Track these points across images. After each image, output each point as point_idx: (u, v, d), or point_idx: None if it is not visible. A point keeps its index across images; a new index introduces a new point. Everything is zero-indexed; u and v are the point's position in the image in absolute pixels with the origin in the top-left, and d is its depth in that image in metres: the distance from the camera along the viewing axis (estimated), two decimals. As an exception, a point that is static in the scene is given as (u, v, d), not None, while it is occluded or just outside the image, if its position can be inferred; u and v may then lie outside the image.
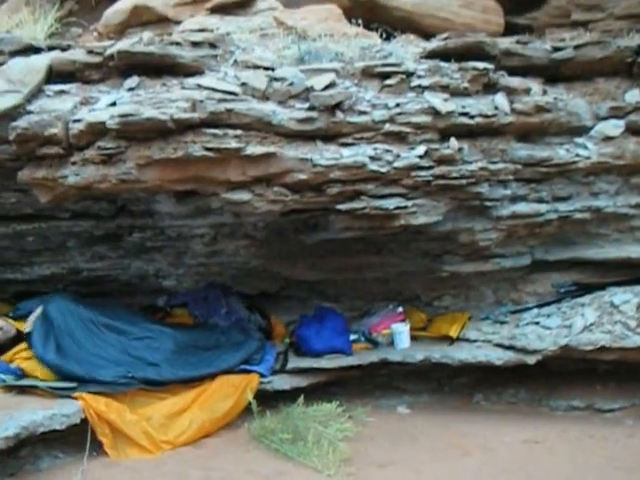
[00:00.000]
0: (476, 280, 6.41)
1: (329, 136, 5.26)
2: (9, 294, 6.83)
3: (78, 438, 5.13)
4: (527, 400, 6.21)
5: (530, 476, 4.83)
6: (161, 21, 6.33)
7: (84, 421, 5.13)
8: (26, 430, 4.75)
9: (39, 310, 5.77)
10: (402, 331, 6.26)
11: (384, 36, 6.16)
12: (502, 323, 6.20)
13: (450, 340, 6.18)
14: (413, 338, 6.30)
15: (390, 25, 6.34)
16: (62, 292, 6.60)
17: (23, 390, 5.40)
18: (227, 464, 5.10)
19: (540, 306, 6.26)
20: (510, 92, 5.60)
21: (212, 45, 5.50)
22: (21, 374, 5.57)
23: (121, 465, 5.09)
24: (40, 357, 5.53)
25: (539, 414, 6.01)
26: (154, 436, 5.30)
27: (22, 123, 5.21)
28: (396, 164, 5.20)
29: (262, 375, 5.87)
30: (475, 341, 6.11)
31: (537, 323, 6.01)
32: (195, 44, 5.41)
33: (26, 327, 5.73)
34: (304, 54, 5.51)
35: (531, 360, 5.78)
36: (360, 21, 6.21)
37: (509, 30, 6.60)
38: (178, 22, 6.22)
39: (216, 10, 6.56)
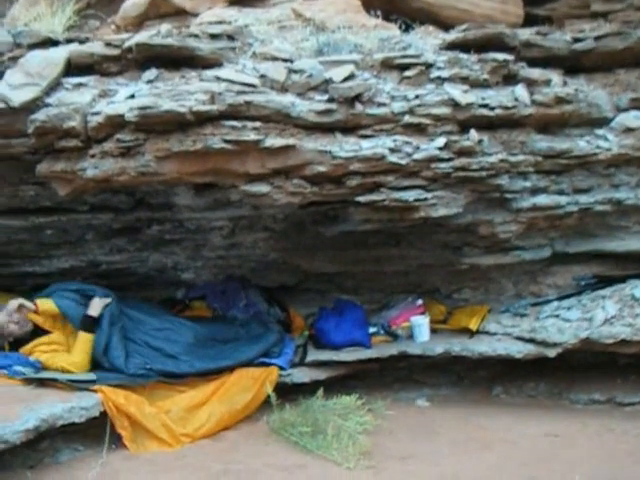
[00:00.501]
0: (496, 272, 6.40)
1: (348, 128, 5.23)
2: (28, 287, 6.85)
3: (97, 431, 5.16)
4: (547, 393, 6.19)
5: (550, 469, 4.80)
6: (179, 13, 6.30)
7: (103, 414, 5.14)
8: (46, 423, 4.77)
9: (107, 299, 5.80)
10: (422, 324, 6.25)
11: (403, 27, 6.12)
12: (522, 316, 6.18)
13: (470, 333, 6.17)
14: (433, 331, 6.32)
15: (409, 16, 6.30)
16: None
17: (42, 383, 5.40)
18: (246, 457, 5.11)
19: (560, 299, 6.24)
20: (530, 83, 5.55)
21: (230, 37, 5.47)
22: (40, 367, 5.57)
23: (140, 458, 5.12)
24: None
25: (559, 407, 6.01)
26: (173, 429, 5.32)
27: (41, 116, 5.21)
28: (416, 156, 5.17)
29: (281, 368, 5.88)
30: (495, 334, 6.10)
31: (557, 316, 5.98)
32: (213, 36, 5.39)
33: (91, 311, 5.73)
34: (323, 46, 5.48)
35: (551, 353, 5.77)
36: (379, 12, 6.17)
37: (528, 21, 6.54)
38: (196, 14, 6.19)
39: (234, 2, 6.52)
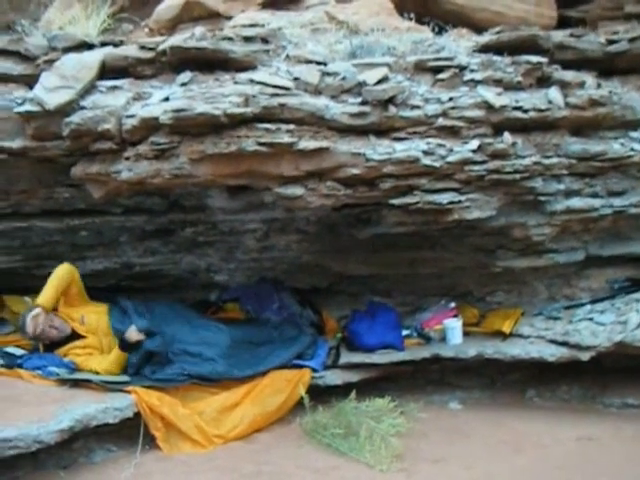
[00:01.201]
0: (529, 276, 6.36)
1: (382, 131, 5.23)
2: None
3: (130, 432, 5.19)
4: (580, 397, 6.15)
5: (584, 474, 4.77)
6: (212, 16, 6.31)
7: (137, 415, 5.17)
8: (80, 423, 4.80)
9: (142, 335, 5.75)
10: (454, 327, 6.23)
11: (436, 30, 6.12)
12: (555, 319, 6.13)
13: (503, 336, 6.14)
14: (465, 334, 6.28)
15: (442, 19, 6.29)
16: (116, 287, 6.69)
17: (76, 384, 5.44)
18: (279, 459, 5.11)
19: (594, 302, 6.20)
20: (564, 86, 5.52)
21: (264, 40, 5.48)
22: (74, 368, 5.62)
23: (174, 459, 5.13)
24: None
25: (593, 411, 5.95)
26: (206, 430, 5.33)
27: (75, 119, 5.24)
28: (449, 159, 5.17)
29: (314, 370, 5.88)
30: (528, 337, 6.04)
31: (591, 319, 5.93)
32: (247, 39, 5.39)
33: (128, 337, 5.68)
34: (356, 48, 5.49)
35: (585, 356, 5.71)
36: (412, 15, 6.17)
37: (561, 23, 6.53)
38: (229, 17, 6.21)
39: (267, 5, 6.55)
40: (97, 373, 5.53)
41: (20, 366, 5.73)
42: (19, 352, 5.98)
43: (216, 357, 5.73)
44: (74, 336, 5.79)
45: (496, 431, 5.56)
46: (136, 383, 5.39)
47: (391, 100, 5.15)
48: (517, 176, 5.34)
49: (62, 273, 5.88)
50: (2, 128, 5.51)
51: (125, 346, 5.60)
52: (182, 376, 5.54)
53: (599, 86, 5.71)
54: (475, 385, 6.38)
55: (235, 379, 5.69)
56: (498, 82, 5.33)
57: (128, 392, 5.27)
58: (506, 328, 6.14)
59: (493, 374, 6.36)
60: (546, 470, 4.86)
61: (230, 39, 5.33)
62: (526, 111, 5.32)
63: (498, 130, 5.32)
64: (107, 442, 5.20)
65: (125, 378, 5.49)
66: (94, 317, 5.92)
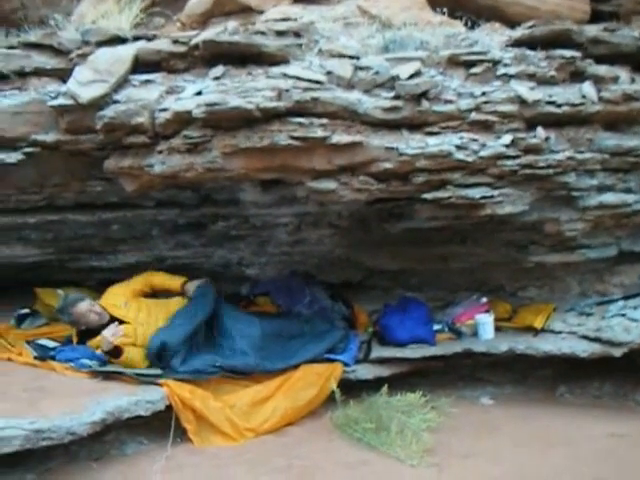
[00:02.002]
0: (561, 271, 6.32)
1: (415, 125, 5.21)
2: (94, 282, 6.95)
3: (162, 424, 5.23)
4: (612, 394, 6.11)
5: (615, 470, 4.75)
6: (244, 11, 6.30)
7: (168, 408, 5.20)
8: (112, 415, 4.85)
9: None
10: (486, 322, 6.21)
11: (468, 24, 6.09)
12: (588, 315, 6.09)
13: (534, 331, 6.11)
14: (497, 329, 6.25)
15: (474, 13, 6.25)
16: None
17: (108, 376, 5.50)
18: (310, 453, 5.13)
19: (626, 298, 6.16)
20: (597, 80, 5.48)
21: (296, 34, 5.47)
22: (106, 360, 5.66)
23: (205, 452, 5.17)
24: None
25: (624, 408, 5.92)
26: (237, 423, 5.37)
27: (109, 112, 5.27)
28: (482, 153, 5.15)
29: (346, 364, 5.89)
30: (560, 333, 6.02)
31: (623, 315, 5.88)
32: (279, 33, 5.39)
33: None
34: (389, 43, 5.46)
35: (617, 353, 5.68)
36: (444, 9, 6.14)
37: (594, 17, 6.47)
38: (261, 12, 6.19)
39: (299, -1, 6.55)
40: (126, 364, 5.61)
41: (53, 358, 5.80)
42: (52, 344, 6.07)
43: (248, 349, 5.76)
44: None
45: (527, 427, 5.54)
46: (168, 376, 5.41)
47: (424, 94, 5.14)
48: (550, 171, 5.31)
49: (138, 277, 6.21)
50: (36, 122, 5.56)
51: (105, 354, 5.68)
52: (213, 367, 5.56)
53: (633, 81, 5.65)
54: (506, 380, 6.35)
55: (266, 372, 5.71)
56: (531, 76, 5.31)
57: (160, 385, 5.31)
58: (538, 324, 6.11)
59: (524, 370, 6.32)
60: (576, 466, 4.83)
61: (262, 33, 5.32)
62: (559, 106, 5.29)
63: (531, 125, 5.29)
64: (139, 434, 5.25)
65: (157, 371, 5.53)
66: (137, 306, 6.02)
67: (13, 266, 6.74)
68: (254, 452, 5.16)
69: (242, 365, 5.67)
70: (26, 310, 6.71)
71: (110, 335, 5.57)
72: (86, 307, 5.84)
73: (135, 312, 5.94)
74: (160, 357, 5.62)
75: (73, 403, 4.87)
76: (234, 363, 5.65)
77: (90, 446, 4.97)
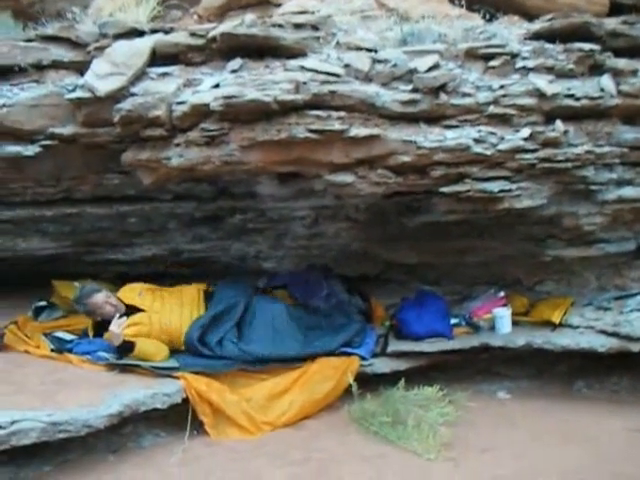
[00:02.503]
0: (579, 265, 6.29)
1: (433, 118, 5.20)
2: (111, 274, 6.96)
3: (179, 417, 5.25)
4: (630, 389, 6.08)
5: (632, 465, 4.74)
6: (261, 3, 6.29)
7: (185, 401, 5.21)
8: (129, 408, 4.87)
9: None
10: (504, 316, 6.20)
11: (487, 17, 6.07)
12: (606, 309, 6.07)
13: (552, 326, 6.09)
14: (514, 323, 6.24)
15: (492, 6, 6.24)
16: (164, 273, 6.75)
17: (125, 369, 5.51)
18: (327, 446, 5.14)
19: (645, 293, 6.14)
20: (616, 74, 5.44)
21: (314, 27, 5.47)
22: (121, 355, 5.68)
23: (222, 445, 5.18)
24: None
25: (642, 403, 5.91)
26: (254, 417, 5.38)
27: (126, 105, 5.27)
28: (500, 147, 5.13)
29: (363, 358, 5.89)
30: (577, 327, 6.00)
31: (642, 310, 5.89)
32: (297, 26, 5.38)
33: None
34: (406, 36, 5.45)
35: (635, 347, 5.67)
36: (462, 2, 6.13)
37: (613, 10, 6.44)
38: (278, 5, 6.19)
39: (316, -8, 6.53)
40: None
41: (70, 351, 5.81)
42: (69, 337, 6.08)
43: (267, 332, 5.86)
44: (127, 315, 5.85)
45: (544, 421, 5.53)
46: (184, 369, 5.43)
47: (442, 87, 5.13)
48: (569, 165, 5.28)
49: None
50: (53, 114, 5.56)
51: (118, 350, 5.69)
52: (238, 351, 5.67)
53: (652, 74, 5.64)
54: (523, 375, 6.34)
55: (282, 360, 5.73)
56: (550, 70, 5.28)
57: (177, 378, 5.32)
58: (555, 318, 6.09)
59: (541, 364, 6.31)
60: (593, 461, 4.82)
61: (280, 26, 5.32)
62: (578, 99, 5.27)
63: (550, 118, 5.27)
64: (156, 427, 5.27)
65: (174, 364, 5.54)
66: (152, 295, 6.07)
67: (30, 259, 6.77)
68: (272, 445, 5.17)
69: (261, 350, 5.71)
70: (43, 302, 6.71)
71: (116, 327, 5.59)
72: (102, 299, 5.88)
73: (150, 301, 5.97)
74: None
75: (90, 396, 4.89)
76: (256, 350, 5.70)
77: (107, 439, 4.99)
